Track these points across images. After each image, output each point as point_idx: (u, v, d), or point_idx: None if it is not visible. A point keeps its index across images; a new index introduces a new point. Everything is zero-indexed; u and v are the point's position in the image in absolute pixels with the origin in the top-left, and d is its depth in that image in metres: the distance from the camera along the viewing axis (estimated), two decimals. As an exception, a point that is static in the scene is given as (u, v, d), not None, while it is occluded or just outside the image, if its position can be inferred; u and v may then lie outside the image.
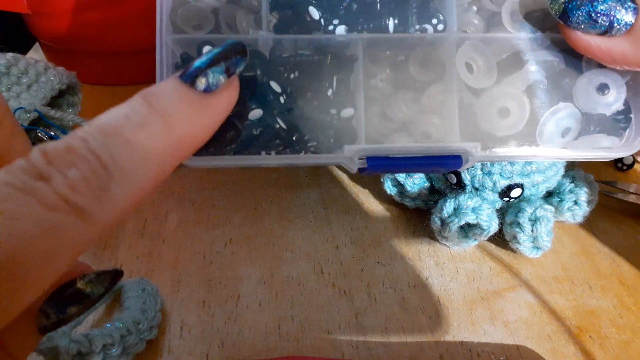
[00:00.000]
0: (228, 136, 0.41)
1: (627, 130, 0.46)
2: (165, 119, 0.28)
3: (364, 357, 0.51)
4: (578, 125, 0.45)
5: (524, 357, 0.51)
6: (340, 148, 0.43)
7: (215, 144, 0.41)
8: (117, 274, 0.31)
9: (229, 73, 0.31)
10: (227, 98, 0.32)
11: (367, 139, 0.43)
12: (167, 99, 0.29)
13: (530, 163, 0.57)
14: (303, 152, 0.43)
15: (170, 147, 0.28)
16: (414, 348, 0.52)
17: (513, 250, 0.61)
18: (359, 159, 0.43)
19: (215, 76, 0.30)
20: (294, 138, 0.42)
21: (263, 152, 0.42)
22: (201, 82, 0.30)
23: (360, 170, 0.44)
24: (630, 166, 0.73)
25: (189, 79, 0.30)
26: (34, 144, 0.65)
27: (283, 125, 0.42)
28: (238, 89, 0.33)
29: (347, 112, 0.43)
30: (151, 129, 0.28)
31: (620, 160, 0.73)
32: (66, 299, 0.29)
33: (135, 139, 0.27)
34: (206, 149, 0.40)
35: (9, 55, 0.69)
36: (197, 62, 0.31)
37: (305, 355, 0.51)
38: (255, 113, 0.41)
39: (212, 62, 0.31)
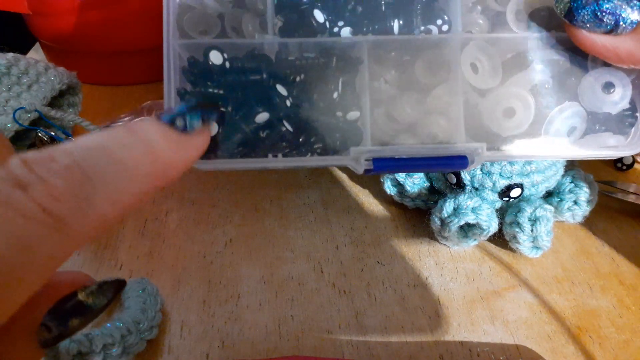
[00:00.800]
0: (235, 139, 0.40)
1: (633, 129, 0.45)
2: (148, 147, 0.28)
3: (364, 357, 0.51)
4: (584, 124, 0.45)
5: (524, 357, 0.51)
6: (346, 150, 0.43)
7: (223, 147, 0.40)
8: (120, 284, 0.31)
9: (203, 120, 0.33)
10: (200, 141, 0.33)
11: (373, 140, 0.43)
12: (149, 132, 0.29)
13: (529, 163, 0.56)
14: (309, 154, 0.43)
15: (152, 170, 0.28)
16: (414, 348, 0.51)
17: (513, 250, 0.60)
18: (365, 160, 0.43)
19: (192, 120, 0.32)
20: (300, 140, 0.42)
21: (270, 155, 0.42)
22: (180, 123, 0.31)
23: (367, 171, 0.43)
24: (630, 166, 0.72)
25: (169, 120, 0.31)
26: (34, 144, 0.65)
27: (289, 128, 0.42)
28: (209, 137, 0.35)
29: (353, 114, 0.43)
30: (135, 151, 0.28)
31: (620, 160, 0.73)
32: (68, 312, 0.29)
33: (120, 156, 0.27)
34: (214, 153, 0.40)
35: (10, 55, 0.69)
36: (178, 108, 0.32)
37: (305, 355, 0.51)
38: (262, 116, 0.41)
39: (190, 109, 0.32)
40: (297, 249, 0.61)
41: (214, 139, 0.41)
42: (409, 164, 0.44)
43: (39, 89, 0.67)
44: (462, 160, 0.43)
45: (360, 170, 0.43)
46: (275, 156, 0.42)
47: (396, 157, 0.43)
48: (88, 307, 0.29)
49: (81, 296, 0.29)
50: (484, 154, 0.44)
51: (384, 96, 0.44)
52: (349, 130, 0.43)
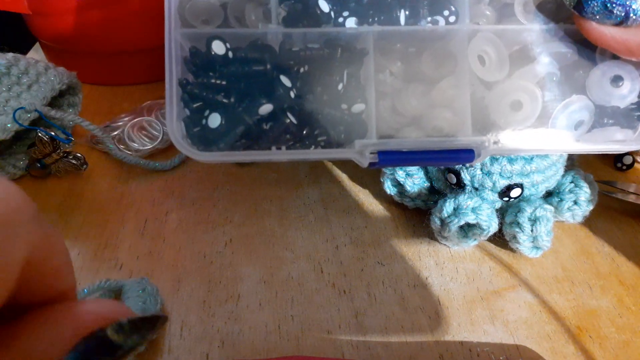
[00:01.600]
0: (237, 131, 0.39)
1: None
2: None
3: (364, 357, 0.50)
4: (591, 117, 0.44)
5: (524, 357, 0.50)
6: (350, 142, 0.41)
7: (225, 139, 0.39)
8: (159, 321, 0.26)
9: None
10: None
11: (378, 133, 0.42)
12: None
13: (530, 162, 0.55)
14: (313, 147, 0.41)
15: None
16: (414, 348, 0.50)
17: (513, 250, 0.59)
18: (370, 153, 0.41)
19: None
20: (304, 132, 0.41)
21: (273, 147, 0.40)
22: None
23: (372, 164, 0.42)
24: (630, 166, 0.71)
25: None
26: (33, 144, 0.64)
27: (293, 120, 0.40)
28: None
29: (358, 107, 0.42)
30: None
31: (620, 160, 0.72)
32: (93, 351, 0.24)
33: None
34: (216, 145, 0.38)
35: (9, 55, 0.68)
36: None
37: (305, 355, 0.50)
38: (266, 108, 0.40)
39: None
40: (297, 249, 0.60)
41: (215, 131, 0.39)
42: (415, 157, 0.42)
43: (39, 89, 0.66)
44: (468, 154, 0.42)
45: (365, 163, 0.41)
46: (279, 149, 0.40)
47: (402, 150, 0.42)
48: (118, 347, 0.25)
49: (110, 333, 0.25)
50: (491, 147, 0.42)
51: (390, 88, 0.43)
52: (354, 123, 0.42)
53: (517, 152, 0.49)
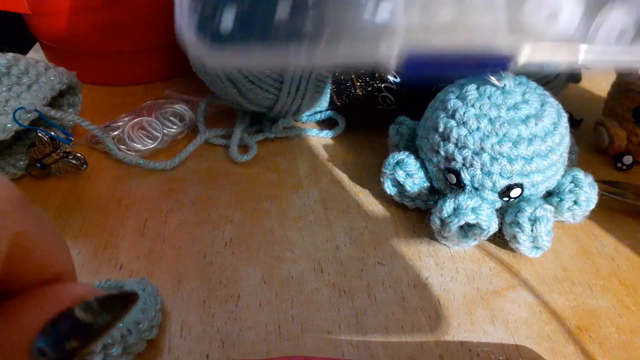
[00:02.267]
0: (254, 28, 0.36)
1: None
2: None
3: (364, 357, 0.49)
4: (636, 25, 0.40)
5: (524, 357, 0.49)
6: (377, 46, 0.38)
7: (241, 37, 0.36)
8: (129, 298, 0.25)
9: None
10: None
11: (406, 36, 0.39)
12: None
13: (530, 162, 0.55)
14: (336, 49, 0.38)
15: None
16: (414, 348, 0.50)
17: (513, 250, 0.59)
18: (397, 58, 0.38)
19: None
20: (326, 32, 0.37)
21: (292, 47, 0.37)
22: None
23: (398, 72, 0.39)
24: (630, 166, 0.71)
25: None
26: (33, 144, 0.63)
27: (314, 18, 0.37)
28: None
29: (386, 6, 0.38)
30: None
31: (620, 160, 0.71)
32: (63, 332, 0.23)
33: None
34: (230, 45, 0.36)
35: (9, 55, 0.68)
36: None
37: (305, 355, 0.49)
38: (285, 3, 0.36)
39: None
40: (297, 249, 0.60)
41: (229, 29, 0.36)
42: (445, 63, 0.39)
43: (39, 89, 0.65)
44: (503, 60, 0.39)
45: (391, 68, 0.39)
46: (297, 49, 0.37)
47: (431, 55, 0.39)
48: (88, 326, 0.23)
49: (77, 312, 0.24)
50: (527, 54, 0.39)
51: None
52: (382, 25, 0.38)
53: (554, 63, 0.46)
